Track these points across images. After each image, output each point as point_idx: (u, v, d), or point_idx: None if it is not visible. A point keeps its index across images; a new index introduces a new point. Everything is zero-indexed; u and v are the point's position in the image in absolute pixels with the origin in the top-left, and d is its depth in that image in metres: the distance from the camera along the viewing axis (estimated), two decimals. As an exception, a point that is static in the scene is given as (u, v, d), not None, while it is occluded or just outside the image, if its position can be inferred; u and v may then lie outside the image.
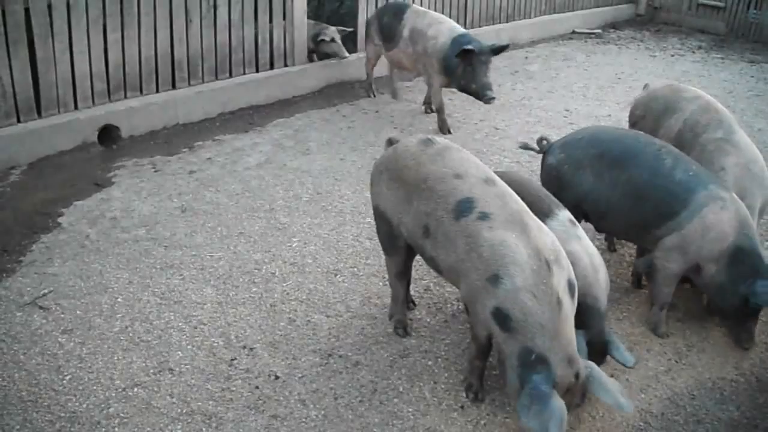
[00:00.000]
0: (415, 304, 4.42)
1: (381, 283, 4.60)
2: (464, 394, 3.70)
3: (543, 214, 3.64)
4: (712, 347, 4.21)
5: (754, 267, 3.90)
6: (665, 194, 4.03)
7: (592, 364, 3.25)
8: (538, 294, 3.09)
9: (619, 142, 4.39)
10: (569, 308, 3.17)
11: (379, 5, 8.90)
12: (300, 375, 3.82)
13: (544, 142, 4.72)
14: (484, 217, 3.27)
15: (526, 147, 4.91)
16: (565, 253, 3.29)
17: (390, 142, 4.10)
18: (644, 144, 4.30)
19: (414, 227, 3.60)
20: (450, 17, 10.00)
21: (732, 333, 4.20)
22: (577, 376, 3.15)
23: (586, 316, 3.54)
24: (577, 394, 3.21)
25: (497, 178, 3.50)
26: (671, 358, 4.09)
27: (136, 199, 5.58)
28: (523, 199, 3.47)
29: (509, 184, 3.55)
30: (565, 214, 3.60)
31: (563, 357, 3.10)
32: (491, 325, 3.24)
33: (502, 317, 3.16)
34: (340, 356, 3.97)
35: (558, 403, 3.00)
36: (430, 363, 3.96)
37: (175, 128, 7.01)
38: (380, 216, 3.90)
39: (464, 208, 3.33)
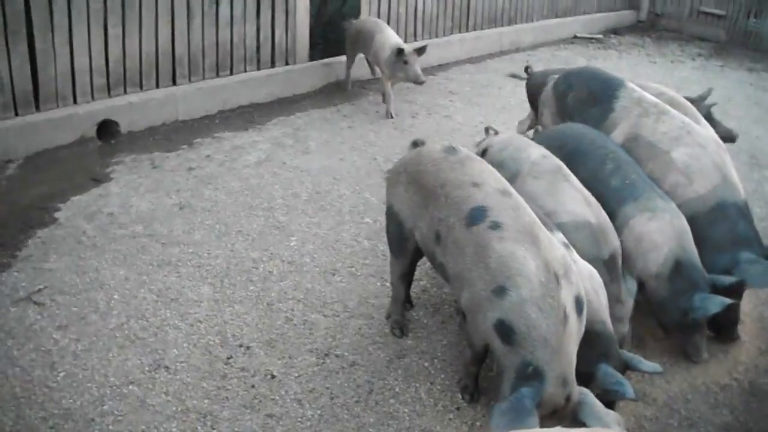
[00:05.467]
0: (412, 305, 4.40)
1: (379, 284, 4.58)
2: (460, 396, 3.69)
3: None
4: (707, 353, 4.18)
5: (693, 280, 3.88)
6: (599, 201, 3.96)
7: (587, 391, 3.12)
8: (544, 307, 3.04)
9: (576, 139, 4.42)
10: (575, 325, 3.09)
11: (382, 4, 8.92)
12: (296, 374, 3.79)
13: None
14: (495, 226, 3.24)
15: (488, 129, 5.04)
16: (576, 270, 3.23)
17: (415, 144, 4.11)
18: (597, 146, 4.30)
19: (428, 232, 3.58)
20: (452, 20, 10.13)
21: (683, 347, 4.13)
22: (567, 399, 3.05)
23: (601, 344, 3.37)
24: (565, 418, 3.08)
25: (514, 191, 3.47)
26: (666, 362, 4.06)
27: (134, 195, 5.55)
28: None
29: None
30: (559, 237, 3.48)
31: (558, 375, 3.01)
32: (492, 337, 3.18)
33: (505, 330, 3.10)
34: (337, 356, 3.95)
35: (533, 422, 2.87)
36: (426, 364, 3.95)
37: (175, 124, 6.98)
38: (393, 217, 3.89)
39: (477, 216, 3.31)
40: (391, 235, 3.97)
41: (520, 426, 2.80)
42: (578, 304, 3.13)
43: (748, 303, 4.45)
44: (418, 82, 7.20)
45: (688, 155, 4.30)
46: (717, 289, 3.89)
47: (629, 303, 3.82)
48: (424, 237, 3.63)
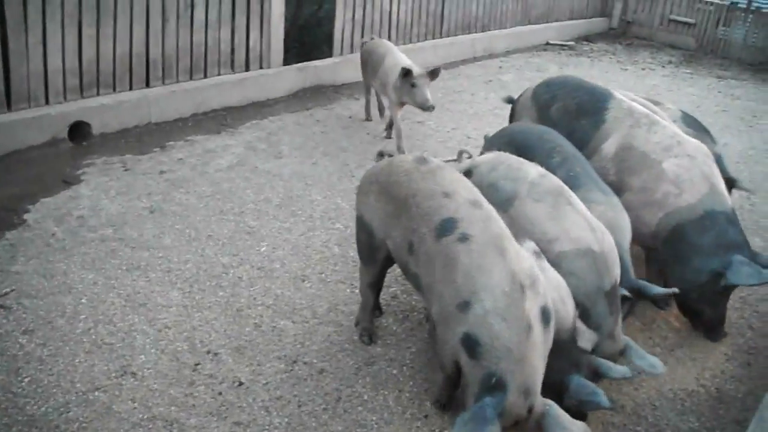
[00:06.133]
0: (381, 312, 4.42)
1: (348, 290, 4.60)
2: (428, 403, 3.70)
3: None
4: (674, 359, 4.27)
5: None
6: None
7: (552, 402, 3.09)
8: (507, 317, 3.03)
9: (524, 135, 4.48)
10: (541, 336, 3.08)
11: (357, 10, 8.94)
12: (264, 381, 3.79)
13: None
14: (463, 239, 3.23)
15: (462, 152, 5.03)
16: (544, 281, 3.20)
17: (381, 155, 4.12)
18: (544, 140, 4.36)
19: (401, 242, 3.57)
20: (426, 27, 10.18)
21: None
22: (530, 410, 3.04)
23: (570, 354, 3.36)
24: (527, 429, 3.08)
25: (485, 202, 3.45)
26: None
27: (104, 197, 5.52)
28: None
29: None
30: (529, 245, 3.45)
31: (521, 385, 2.99)
32: (459, 352, 3.17)
33: (471, 343, 3.09)
34: (305, 363, 3.96)
35: (494, 431, 2.87)
36: (395, 371, 3.96)
37: (148, 127, 6.96)
38: (363, 226, 3.89)
39: (447, 227, 3.31)
40: (362, 244, 3.97)
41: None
42: (545, 314, 3.12)
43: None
44: (426, 108, 6.33)
45: (678, 165, 4.37)
46: (641, 295, 3.94)
47: (620, 341, 3.67)
48: (397, 247, 3.63)
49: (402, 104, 6.64)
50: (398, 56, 6.87)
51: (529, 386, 3.02)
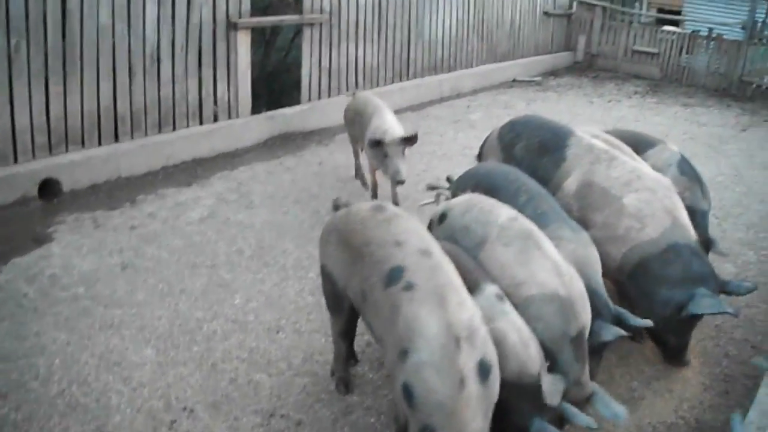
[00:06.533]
0: (357, 360, 4.42)
1: (323, 340, 4.60)
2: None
3: (469, 289, 3.37)
4: (652, 392, 4.30)
5: (594, 307, 3.87)
6: None
7: None
8: (441, 370, 2.96)
9: (489, 177, 4.52)
10: (475, 391, 2.98)
11: (323, 56, 9.03)
12: (241, 437, 3.79)
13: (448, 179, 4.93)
14: (408, 287, 3.19)
15: (432, 187, 5.08)
16: (485, 333, 3.14)
17: (336, 206, 4.11)
18: (510, 181, 4.40)
19: (357, 291, 3.54)
20: (393, 70, 10.28)
21: None
22: None
23: (533, 398, 3.30)
24: None
25: (437, 251, 3.39)
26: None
27: (76, 255, 5.52)
28: None
29: None
30: (492, 289, 3.43)
31: None
32: (401, 401, 3.10)
33: (408, 393, 3.02)
34: (282, 416, 3.95)
35: None
36: (372, 420, 3.96)
37: (118, 182, 6.97)
38: (327, 276, 3.89)
39: (394, 276, 3.27)
40: (327, 293, 3.97)
41: None
42: (482, 368, 3.02)
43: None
44: (395, 181, 5.97)
45: (639, 200, 4.42)
46: (621, 324, 3.95)
47: (588, 387, 3.62)
48: (355, 295, 3.60)
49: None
50: (385, 118, 6.29)
51: None
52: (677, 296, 4.24)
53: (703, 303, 4.15)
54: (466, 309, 3.14)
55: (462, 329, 3.03)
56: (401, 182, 5.91)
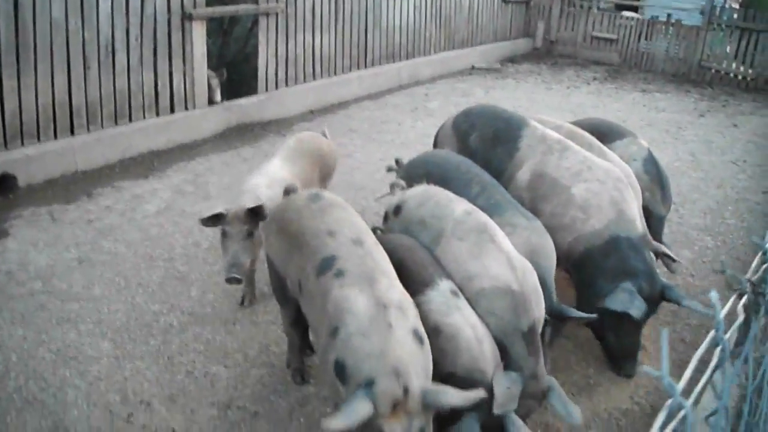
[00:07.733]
0: (313, 351, 4.44)
1: (279, 331, 4.64)
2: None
3: (423, 284, 3.43)
4: (608, 379, 4.37)
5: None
6: None
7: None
8: (368, 333, 2.92)
9: (442, 167, 4.52)
10: (404, 334, 2.92)
11: (279, 45, 9.03)
12: (198, 429, 3.83)
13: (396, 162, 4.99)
14: (338, 274, 3.19)
15: (390, 168, 5.14)
16: (416, 314, 3.13)
17: (287, 192, 4.12)
18: (462, 171, 4.42)
19: (294, 281, 3.54)
20: (350, 58, 10.30)
21: None
22: (405, 391, 2.77)
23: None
24: (411, 413, 2.80)
25: (369, 240, 3.41)
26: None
27: (32, 250, 5.51)
28: (404, 266, 3.43)
29: (394, 249, 3.52)
30: (446, 285, 3.42)
31: (389, 370, 2.79)
32: (336, 382, 3.00)
33: (340, 368, 2.95)
34: (239, 407, 4.00)
35: (365, 408, 2.69)
36: (329, 410, 3.95)
37: (74, 176, 6.96)
38: (270, 266, 3.90)
39: (325, 265, 3.27)
40: (273, 283, 3.98)
41: (355, 414, 2.68)
42: (416, 335, 2.98)
43: (647, 327, 4.53)
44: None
45: (587, 191, 4.45)
46: (563, 318, 4.01)
47: (543, 381, 3.56)
48: (293, 285, 3.59)
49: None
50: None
51: (396, 367, 2.81)
52: (606, 289, 4.24)
53: (617, 298, 4.14)
54: (396, 291, 3.14)
55: (392, 302, 3.02)
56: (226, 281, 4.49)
